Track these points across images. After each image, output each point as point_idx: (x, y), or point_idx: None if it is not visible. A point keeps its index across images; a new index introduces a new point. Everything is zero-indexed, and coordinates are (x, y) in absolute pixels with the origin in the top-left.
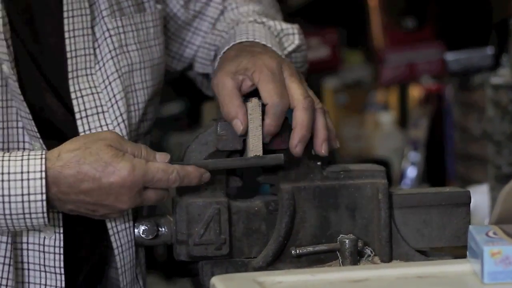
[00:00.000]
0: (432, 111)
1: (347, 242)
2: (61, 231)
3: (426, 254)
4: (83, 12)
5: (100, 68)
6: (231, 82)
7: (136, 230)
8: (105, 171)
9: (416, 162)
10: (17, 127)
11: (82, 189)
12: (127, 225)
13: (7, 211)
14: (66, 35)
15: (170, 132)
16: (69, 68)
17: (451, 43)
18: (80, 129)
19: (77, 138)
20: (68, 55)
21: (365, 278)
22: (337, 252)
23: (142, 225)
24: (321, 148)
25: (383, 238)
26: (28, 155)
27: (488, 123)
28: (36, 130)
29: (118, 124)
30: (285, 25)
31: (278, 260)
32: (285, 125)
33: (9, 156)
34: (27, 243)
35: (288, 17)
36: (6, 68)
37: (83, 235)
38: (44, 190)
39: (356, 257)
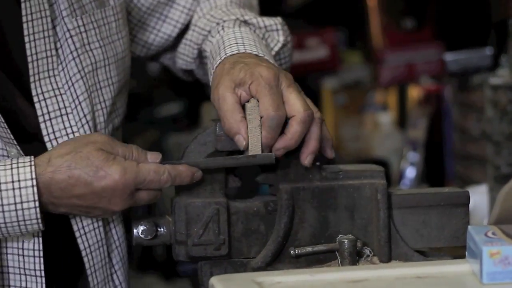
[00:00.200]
0: (431, 111)
1: (346, 242)
2: (40, 234)
3: (425, 254)
4: (43, 14)
5: (63, 69)
6: (231, 96)
7: (135, 231)
8: (97, 175)
9: (415, 163)
10: None
11: (74, 193)
12: (95, 225)
13: (1, 220)
14: (26, 39)
15: (169, 133)
16: (31, 72)
17: (450, 43)
18: (44, 132)
19: (67, 141)
20: (29, 58)
21: (364, 279)
22: (336, 252)
23: (141, 225)
24: (305, 159)
25: (382, 239)
26: (17, 163)
27: (487, 123)
28: (11, 136)
29: (83, 126)
30: (267, 21)
31: (277, 260)
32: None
33: None
34: (6, 247)
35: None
36: None
37: (56, 237)
38: (36, 197)
39: (355, 257)
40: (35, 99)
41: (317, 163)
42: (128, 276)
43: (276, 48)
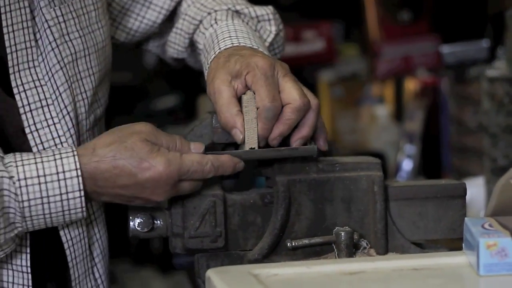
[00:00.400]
0: (428, 104)
1: (342, 234)
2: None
3: (421, 246)
4: (21, 5)
5: (43, 60)
6: (227, 90)
7: (131, 223)
8: (141, 166)
9: (411, 155)
10: None
11: (118, 183)
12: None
13: (46, 211)
14: (5, 30)
15: (165, 126)
16: (10, 63)
17: (446, 36)
18: (25, 123)
19: (112, 131)
20: (8, 50)
21: (360, 271)
22: (333, 244)
23: (138, 218)
24: (294, 143)
25: (379, 231)
26: (60, 153)
27: (484, 115)
28: None
29: (64, 117)
30: (259, 11)
31: (274, 252)
32: None
33: (41, 157)
34: None
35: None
36: None
37: (39, 231)
38: (81, 187)
39: (352, 250)
40: (15, 90)
41: (314, 156)
42: (108, 269)
43: (269, 39)
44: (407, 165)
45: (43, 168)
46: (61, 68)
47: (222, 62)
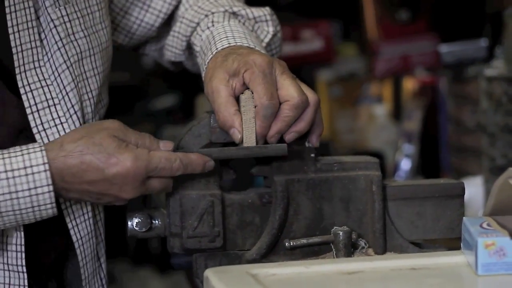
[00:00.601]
0: (426, 103)
1: (341, 234)
2: (22, 229)
3: (420, 246)
4: (26, 5)
5: (48, 60)
6: (225, 89)
7: (129, 223)
8: (108, 162)
9: (410, 154)
10: None
11: (85, 179)
12: (86, 216)
13: (15, 207)
14: (10, 30)
15: (164, 125)
16: (16, 63)
17: (445, 35)
18: (32, 123)
19: (81, 127)
20: (14, 50)
21: (359, 270)
22: (331, 244)
23: (136, 217)
24: (287, 135)
25: (377, 230)
26: (27, 148)
27: (482, 115)
28: None
29: (71, 116)
30: (256, 12)
31: (272, 252)
32: None
33: (9, 152)
34: None
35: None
36: None
37: (41, 230)
38: (50, 182)
39: (350, 249)
40: (22, 90)
41: (312, 155)
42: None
43: (266, 40)
44: (405, 164)
45: (11, 163)
46: (68, 67)
47: (219, 62)
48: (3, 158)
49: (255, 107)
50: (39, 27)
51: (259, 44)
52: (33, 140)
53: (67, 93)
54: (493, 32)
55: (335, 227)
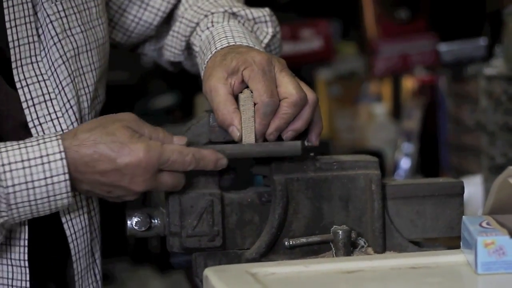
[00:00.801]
0: (426, 102)
1: (340, 233)
2: (26, 223)
3: (419, 245)
4: (23, 0)
5: (45, 55)
6: (223, 88)
7: (128, 222)
8: (121, 151)
9: (409, 154)
10: None
11: (97, 169)
12: (80, 211)
13: (31, 197)
14: (7, 25)
15: (163, 124)
16: (13, 58)
17: (444, 34)
18: (28, 118)
19: (95, 119)
20: (11, 44)
21: (358, 269)
22: (331, 243)
23: (135, 216)
24: (285, 133)
25: (377, 229)
26: (44, 138)
27: (482, 114)
28: None
29: (67, 111)
30: (256, 13)
31: (272, 251)
32: None
33: (25, 143)
34: None
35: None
36: None
37: (40, 224)
38: (66, 170)
39: (350, 248)
40: (18, 85)
41: (311, 154)
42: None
43: (265, 40)
44: (405, 163)
45: (27, 153)
46: (64, 62)
47: (218, 61)
48: (19, 148)
49: (255, 105)
50: (37, 22)
51: (259, 44)
52: (24, 135)
53: (63, 88)
54: (492, 31)
55: (334, 226)
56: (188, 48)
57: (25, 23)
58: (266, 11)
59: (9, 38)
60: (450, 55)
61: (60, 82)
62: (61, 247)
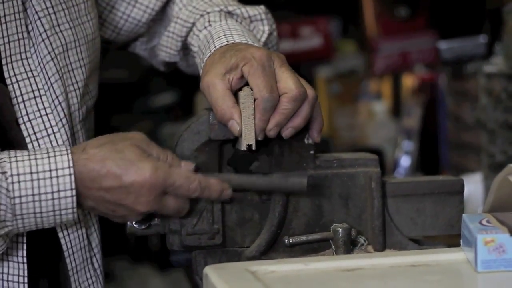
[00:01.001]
0: (426, 100)
1: (340, 231)
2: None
3: (419, 242)
4: None
5: (35, 51)
6: (221, 83)
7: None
8: (128, 169)
9: (409, 151)
10: None
11: (103, 185)
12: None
13: (37, 210)
14: None
15: (163, 123)
16: (3, 54)
17: (444, 31)
18: (18, 114)
19: (105, 135)
20: (1, 41)
21: (358, 267)
22: (331, 241)
23: None
24: (284, 131)
25: (376, 227)
26: (54, 151)
27: (482, 111)
28: None
29: (56, 107)
30: (251, 11)
31: (271, 249)
32: None
33: (35, 154)
34: None
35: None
36: None
37: None
38: (73, 186)
39: (350, 246)
40: (8, 81)
41: (311, 152)
42: (104, 263)
43: (263, 39)
44: (405, 161)
45: (36, 165)
46: (52, 59)
47: (217, 58)
48: (29, 160)
49: (255, 100)
50: (26, 19)
51: (257, 42)
52: (19, 130)
53: (52, 84)
54: (492, 29)
55: (334, 224)
56: (184, 48)
57: (15, 20)
58: (261, 9)
59: None
60: (450, 53)
61: (49, 78)
62: (54, 241)
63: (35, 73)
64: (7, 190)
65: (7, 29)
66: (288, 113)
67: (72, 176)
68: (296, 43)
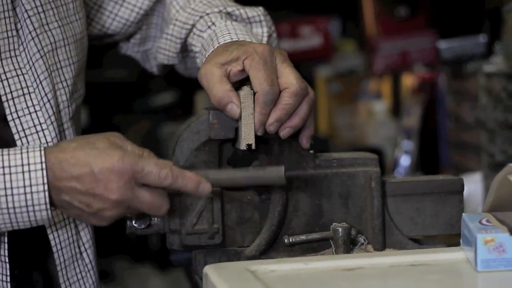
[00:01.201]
0: (425, 99)
1: (340, 230)
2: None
3: (419, 242)
4: None
5: (24, 49)
6: (218, 70)
7: (128, 220)
8: (97, 157)
9: (409, 151)
10: None
11: (73, 174)
12: None
13: (10, 204)
14: None
15: (163, 122)
16: None
17: (443, 31)
18: (7, 111)
19: (82, 135)
20: None
21: (358, 267)
22: (330, 240)
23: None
24: (281, 131)
25: (376, 226)
26: (27, 147)
27: (481, 111)
28: None
29: (44, 104)
30: (250, 12)
31: (271, 249)
32: None
33: (8, 151)
34: None
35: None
36: None
37: None
38: (45, 181)
39: (349, 246)
40: None
41: (311, 151)
42: (97, 258)
43: (263, 40)
44: (404, 160)
45: (9, 160)
46: (41, 57)
47: (220, 51)
48: (2, 155)
49: (255, 96)
50: (15, 17)
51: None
52: (7, 127)
53: (40, 82)
54: (492, 28)
55: (334, 224)
56: (183, 51)
57: (4, 18)
58: (260, 10)
59: None
60: (449, 52)
61: (38, 76)
62: (42, 237)
63: (24, 71)
64: None
65: None
66: (289, 108)
67: (44, 171)
68: (296, 42)
